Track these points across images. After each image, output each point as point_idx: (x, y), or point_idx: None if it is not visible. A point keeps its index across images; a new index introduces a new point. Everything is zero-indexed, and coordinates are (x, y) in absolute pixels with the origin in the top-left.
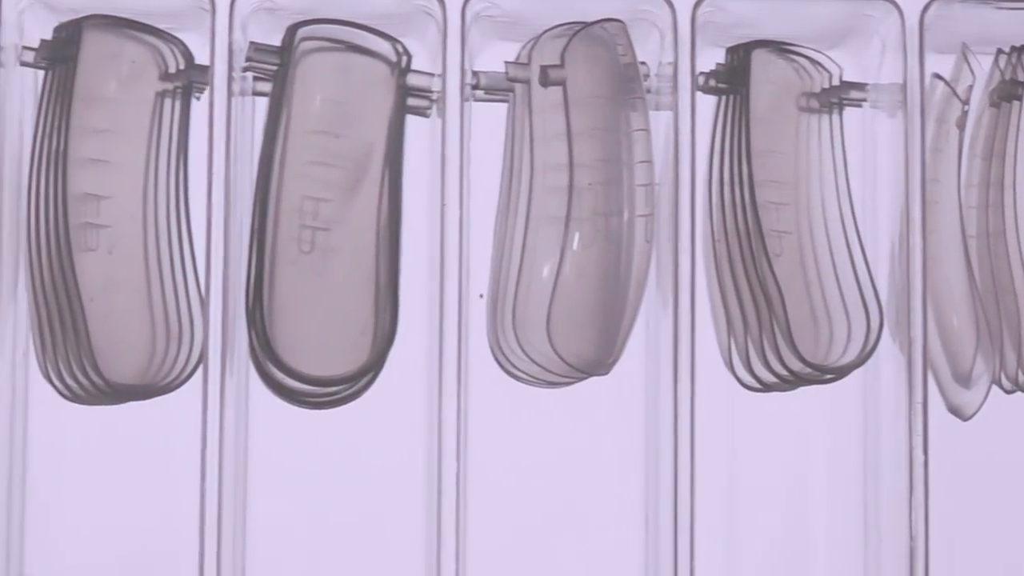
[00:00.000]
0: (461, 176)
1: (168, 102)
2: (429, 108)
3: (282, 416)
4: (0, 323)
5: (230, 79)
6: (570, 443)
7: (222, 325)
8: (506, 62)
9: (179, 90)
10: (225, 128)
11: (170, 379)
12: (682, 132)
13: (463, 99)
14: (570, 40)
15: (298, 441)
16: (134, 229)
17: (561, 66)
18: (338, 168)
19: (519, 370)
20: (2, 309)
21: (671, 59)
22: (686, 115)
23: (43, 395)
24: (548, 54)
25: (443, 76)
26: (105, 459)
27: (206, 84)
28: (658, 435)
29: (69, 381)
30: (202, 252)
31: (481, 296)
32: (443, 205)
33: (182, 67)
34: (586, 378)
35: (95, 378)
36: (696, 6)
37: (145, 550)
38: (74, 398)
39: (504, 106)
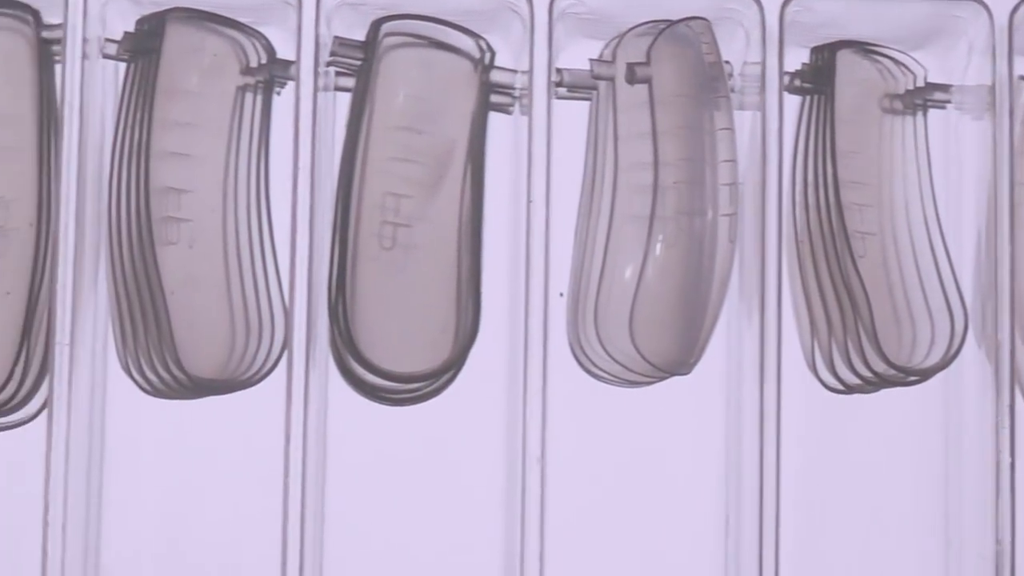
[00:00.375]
0: (548, 173)
1: (249, 96)
2: (512, 105)
3: (361, 412)
4: (80, 316)
5: (316, 74)
6: (649, 443)
7: (307, 320)
8: (591, 59)
9: (260, 84)
10: (311, 123)
11: (250, 374)
12: (770, 132)
13: (550, 97)
14: (656, 38)
15: (376, 438)
16: (214, 223)
17: (647, 64)
18: (420, 164)
19: (600, 369)
20: (82, 302)
21: (755, 58)
22: (774, 115)
23: (122, 389)
24: (633, 52)
25: (530, 73)
26: (182, 453)
27: (288, 79)
28: (739, 436)
29: (150, 375)
30: (283, 247)
31: (561, 295)
32: (529, 202)
33: (264, 61)
34: (667, 378)
35: (176, 372)
36: (784, 5)
37: (222, 545)
38: (154, 392)
39: (584, 104)
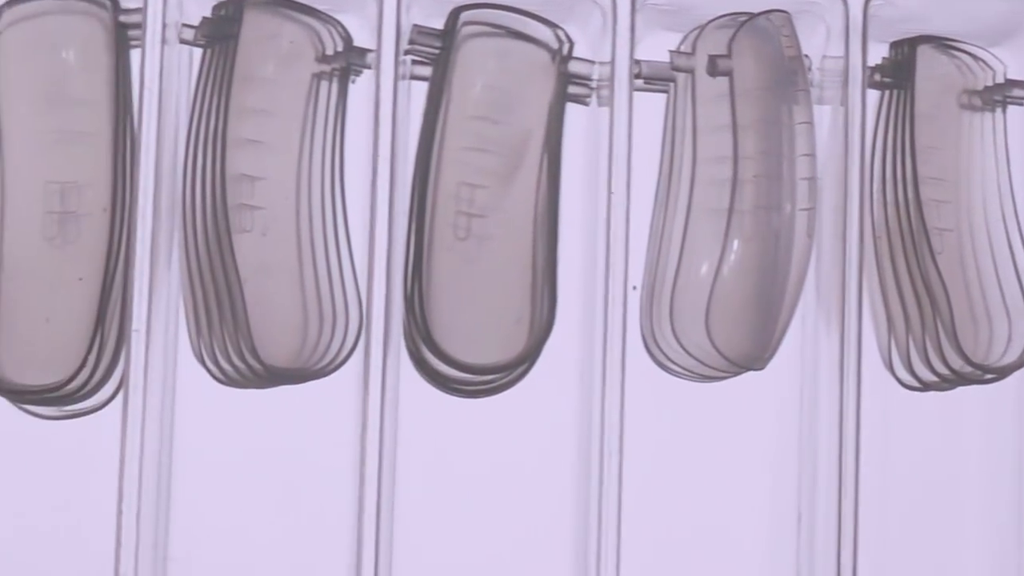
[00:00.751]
0: (628, 166)
1: (324, 84)
2: (589, 96)
3: (432, 403)
4: (153, 304)
5: (398, 61)
6: (721, 438)
7: (385, 310)
8: (671, 51)
9: (336, 72)
10: (391, 111)
11: (324, 363)
12: (852, 127)
13: (631, 88)
14: (737, 30)
15: (447, 429)
16: (287, 211)
17: (728, 56)
18: (495, 155)
19: (674, 363)
20: (155, 291)
21: (834, 52)
22: (856, 110)
23: (191, 377)
24: (714, 44)
25: (611, 64)
26: (250, 442)
27: (364, 67)
28: (814, 432)
29: (224, 364)
30: (358, 236)
31: (635, 288)
32: (610, 195)
33: (340, 49)
34: (742, 373)
35: (252, 361)
36: (868, 0)
37: (291, 537)
38: (228, 381)
39: (658, 96)
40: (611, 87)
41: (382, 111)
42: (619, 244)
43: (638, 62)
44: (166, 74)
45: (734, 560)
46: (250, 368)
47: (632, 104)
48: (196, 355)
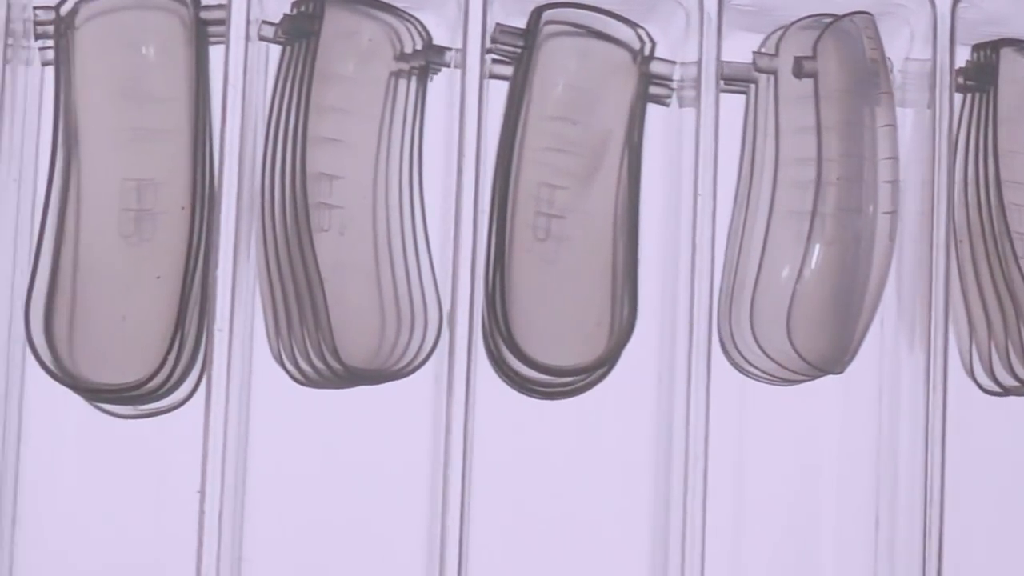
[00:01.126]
0: (715, 167)
1: (403, 82)
2: (669, 96)
3: (508, 405)
4: (233, 305)
5: (483, 60)
6: (799, 441)
7: (469, 312)
8: (754, 52)
9: (415, 71)
10: (477, 110)
11: (402, 364)
12: (940, 130)
13: (718, 89)
14: (823, 32)
15: (523, 431)
16: (365, 210)
17: (813, 58)
18: (575, 155)
19: (753, 366)
20: (238, 289)
21: (918, 55)
22: (944, 113)
23: (266, 378)
24: (797, 45)
25: (699, 65)
26: (324, 443)
27: (442, 65)
28: (894, 437)
29: (303, 365)
30: (436, 236)
31: None
32: (697, 196)
33: (419, 47)
34: (821, 376)
35: (332, 362)
36: (955, 3)
37: (367, 537)
38: (306, 382)
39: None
40: (698, 88)
41: (467, 110)
42: (706, 247)
43: (720, 63)
44: (249, 71)
45: (811, 562)
46: (330, 369)
47: (719, 105)
48: (275, 355)
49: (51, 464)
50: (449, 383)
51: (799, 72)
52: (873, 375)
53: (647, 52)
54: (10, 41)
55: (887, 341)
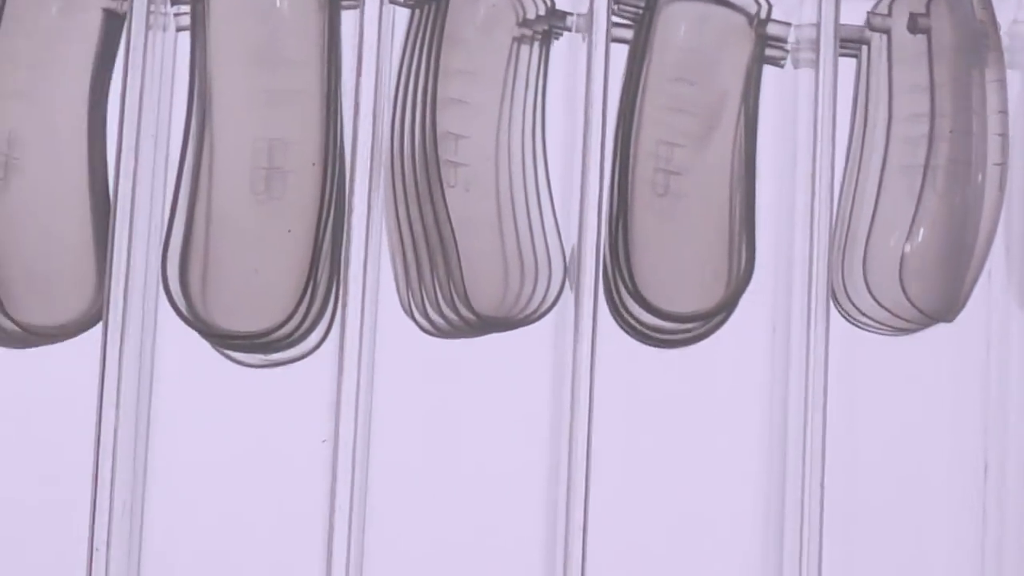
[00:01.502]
0: (834, 126)
1: (525, 47)
2: (784, 58)
3: (625, 353)
4: (366, 258)
5: (609, 23)
6: (908, 390)
7: (595, 260)
8: (869, 12)
9: (537, 36)
10: (604, 73)
11: (527, 312)
12: None
13: (836, 51)
14: None
15: (640, 379)
16: (488, 168)
17: (927, 15)
18: (692, 115)
19: (865, 316)
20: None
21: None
22: None
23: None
24: (910, 5)
25: (818, 27)
26: (449, 394)
27: (564, 29)
28: (1004, 385)
29: (433, 315)
30: (559, 191)
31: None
32: (815, 156)
33: (542, 13)
34: (932, 325)
35: (464, 311)
36: None
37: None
38: (436, 332)
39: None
40: (817, 49)
41: (594, 72)
42: (825, 203)
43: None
44: (384, 33)
45: (923, 511)
46: (462, 317)
47: (837, 67)
48: (404, 307)
49: (180, 412)
50: (576, 330)
51: (914, 27)
52: (981, 325)
53: (763, 15)
54: (152, 8)
55: (995, 291)
